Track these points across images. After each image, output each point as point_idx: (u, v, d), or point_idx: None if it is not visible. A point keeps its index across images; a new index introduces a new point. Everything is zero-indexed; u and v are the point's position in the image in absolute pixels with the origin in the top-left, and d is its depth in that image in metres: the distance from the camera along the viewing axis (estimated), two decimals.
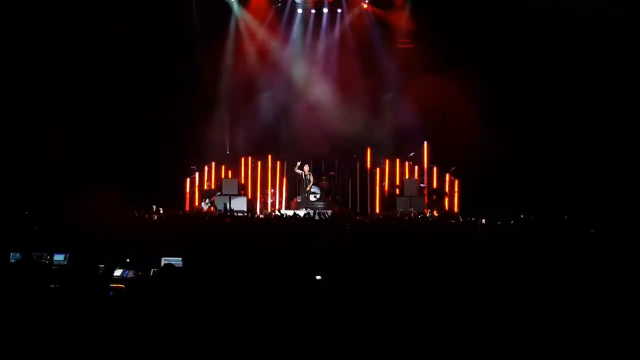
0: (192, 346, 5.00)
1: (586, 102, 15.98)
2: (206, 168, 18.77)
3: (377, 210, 18.19)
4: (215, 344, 5.11)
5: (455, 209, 17.97)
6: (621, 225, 11.80)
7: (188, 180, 18.53)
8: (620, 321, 5.44)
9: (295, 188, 19.00)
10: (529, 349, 5.17)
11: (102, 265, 7.44)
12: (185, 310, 5.74)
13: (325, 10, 19.35)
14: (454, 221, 15.29)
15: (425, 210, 17.20)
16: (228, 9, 18.91)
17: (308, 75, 18.91)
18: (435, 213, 17.06)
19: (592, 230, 11.82)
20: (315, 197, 18.50)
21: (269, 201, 18.80)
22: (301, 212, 15.61)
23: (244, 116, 18.55)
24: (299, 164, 18.29)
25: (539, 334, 5.30)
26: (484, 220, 13.92)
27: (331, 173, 19.00)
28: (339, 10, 19.38)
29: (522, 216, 14.50)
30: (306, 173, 18.33)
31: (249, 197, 18.54)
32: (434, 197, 17.86)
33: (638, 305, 5.74)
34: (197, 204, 18.34)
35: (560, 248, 9.95)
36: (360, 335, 5.36)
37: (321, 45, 19.27)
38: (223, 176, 18.74)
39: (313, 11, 19.41)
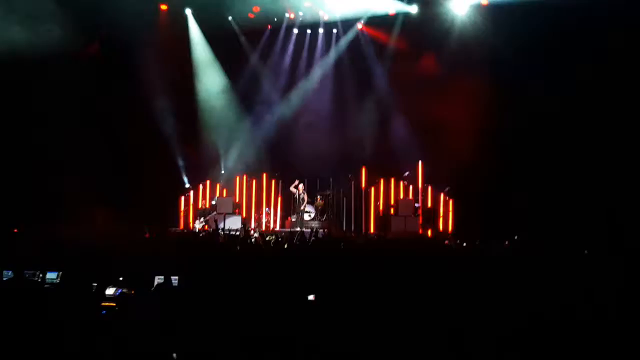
0: None
1: (583, 123, 16.01)
2: (201, 186, 18.76)
3: (372, 230, 18.19)
4: None
5: (450, 229, 17.98)
6: (617, 246, 11.80)
7: (183, 198, 18.51)
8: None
9: (290, 207, 18.99)
10: None
11: (95, 284, 7.43)
12: (179, 328, 5.72)
13: (320, 30, 19.49)
14: (447, 242, 15.32)
15: (420, 231, 17.24)
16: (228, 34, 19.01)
17: (304, 94, 19.02)
18: (429, 233, 17.10)
19: (586, 252, 11.83)
20: (309, 216, 18.49)
21: (264, 220, 18.78)
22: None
23: (240, 135, 18.61)
24: (296, 182, 18.35)
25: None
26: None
27: (323, 194, 18.98)
28: (335, 31, 19.54)
29: (515, 237, 14.51)
30: (300, 192, 18.36)
31: (244, 216, 18.51)
32: (428, 217, 17.84)
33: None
34: (191, 223, 18.32)
35: (553, 269, 9.95)
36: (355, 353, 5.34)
37: (317, 65, 19.40)
38: (218, 195, 18.75)
39: (309, 31, 19.53)
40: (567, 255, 11.39)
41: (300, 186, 18.36)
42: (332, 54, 19.47)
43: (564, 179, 15.90)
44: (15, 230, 13.27)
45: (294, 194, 18.42)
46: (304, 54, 19.60)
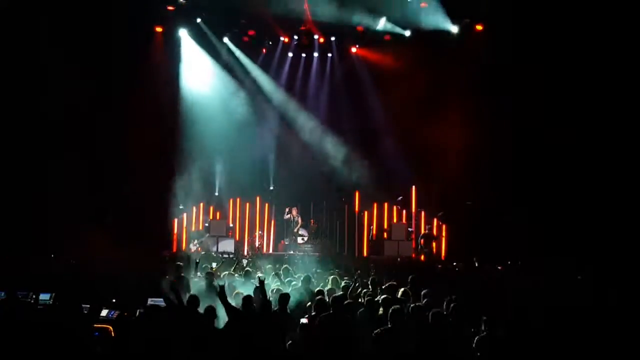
0: None
1: (576, 142, 16.05)
2: (194, 209, 18.74)
3: (365, 254, 18.18)
4: None
5: (443, 254, 17.98)
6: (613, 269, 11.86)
7: (176, 221, 18.45)
8: None
9: (284, 230, 18.98)
10: None
11: (88, 305, 7.42)
12: (170, 352, 5.72)
13: (315, 54, 19.64)
14: (440, 265, 15.39)
15: (413, 255, 17.27)
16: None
17: (298, 118, 19.12)
18: (422, 258, 17.12)
19: (579, 277, 11.88)
20: (302, 239, 18.47)
21: (257, 243, 18.75)
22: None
23: (234, 158, 18.65)
24: (286, 210, 18.42)
25: None
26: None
27: (317, 217, 18.99)
28: (329, 55, 19.70)
29: (509, 262, 14.56)
30: (294, 215, 18.38)
31: (237, 238, 18.48)
32: (422, 241, 17.82)
33: None
34: (184, 245, 18.28)
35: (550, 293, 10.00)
36: None
37: (311, 88, 19.54)
38: (211, 217, 18.74)
39: (303, 55, 19.67)
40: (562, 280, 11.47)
41: (294, 210, 18.39)
42: (327, 77, 19.61)
43: (562, 200, 15.90)
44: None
45: (288, 218, 18.46)
46: (299, 77, 19.71)
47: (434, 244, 17.61)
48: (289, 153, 18.74)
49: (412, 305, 7.38)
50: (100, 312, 7.83)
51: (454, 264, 15.54)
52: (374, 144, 18.71)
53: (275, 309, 7.68)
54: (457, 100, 17.00)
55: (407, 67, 17.91)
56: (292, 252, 17.57)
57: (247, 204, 19.05)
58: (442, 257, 17.62)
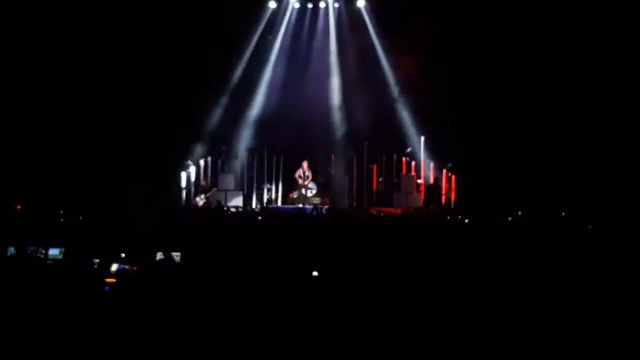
0: (189, 340, 4.95)
1: (583, 97, 16.00)
2: (202, 163, 18.65)
3: (374, 206, 18.12)
4: (212, 338, 5.07)
5: (452, 205, 17.92)
6: (621, 221, 11.79)
7: (184, 174, 18.39)
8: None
9: (292, 183, 18.93)
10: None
11: (98, 260, 7.40)
12: (182, 304, 5.70)
13: (322, 4, 19.32)
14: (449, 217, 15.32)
15: (422, 206, 17.24)
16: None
17: (306, 70, 18.94)
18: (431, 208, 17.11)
19: (590, 227, 11.80)
20: (311, 192, 18.43)
21: (266, 196, 18.73)
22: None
23: (242, 110, 18.57)
24: (299, 171, 18.38)
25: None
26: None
27: (325, 170, 18.90)
28: (336, 5, 19.37)
29: (519, 213, 14.50)
30: (305, 169, 18.32)
31: (245, 192, 18.44)
32: (432, 194, 17.75)
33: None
34: (194, 200, 18.24)
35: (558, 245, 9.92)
36: (359, 330, 5.32)
37: (318, 39, 19.28)
38: (219, 171, 18.68)
39: (310, 5, 19.37)
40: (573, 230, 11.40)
41: (304, 164, 18.30)
42: (333, 28, 19.31)
43: (571, 151, 15.87)
44: (19, 207, 13.26)
45: (298, 175, 18.40)
46: (305, 29, 19.45)
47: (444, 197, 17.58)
48: (297, 105, 18.57)
49: None
50: (110, 267, 7.82)
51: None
52: (384, 96, 18.60)
53: None
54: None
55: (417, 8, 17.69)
56: (300, 205, 17.57)
57: (256, 157, 18.88)
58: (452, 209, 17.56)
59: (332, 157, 18.94)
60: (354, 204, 18.41)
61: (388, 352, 5.07)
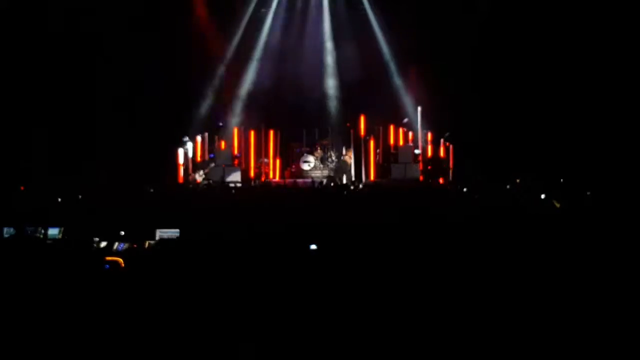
0: (188, 317, 4.98)
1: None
2: (199, 139, 18.59)
3: (372, 178, 18.12)
4: (210, 314, 5.09)
5: (450, 176, 17.94)
6: (618, 187, 11.84)
7: (181, 151, 18.33)
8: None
9: (290, 157, 18.92)
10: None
11: (97, 239, 7.44)
12: (182, 282, 5.73)
13: None
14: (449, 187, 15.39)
15: (421, 177, 17.28)
16: None
17: (300, 42, 18.87)
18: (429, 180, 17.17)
19: (588, 193, 11.85)
20: (309, 165, 18.42)
21: (263, 171, 18.71)
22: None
23: (236, 85, 18.53)
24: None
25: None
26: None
27: (322, 143, 18.85)
28: None
29: (518, 180, 14.55)
30: (303, 145, 18.43)
31: (244, 167, 18.42)
32: (430, 167, 17.78)
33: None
34: (191, 174, 18.19)
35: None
36: (355, 307, 5.34)
37: (312, 8, 19.17)
38: (216, 147, 18.63)
39: None
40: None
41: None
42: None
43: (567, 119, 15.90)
44: (22, 188, 13.31)
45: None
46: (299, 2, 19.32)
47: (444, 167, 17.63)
48: (292, 80, 18.50)
49: None
50: (110, 245, 7.86)
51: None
52: (379, 66, 18.56)
53: None
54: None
55: None
56: (298, 179, 17.58)
57: (252, 132, 18.80)
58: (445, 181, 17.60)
59: (329, 130, 18.89)
60: (353, 176, 18.37)
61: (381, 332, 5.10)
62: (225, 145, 18.64)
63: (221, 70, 18.89)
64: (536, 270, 5.83)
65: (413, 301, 5.22)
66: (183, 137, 18.18)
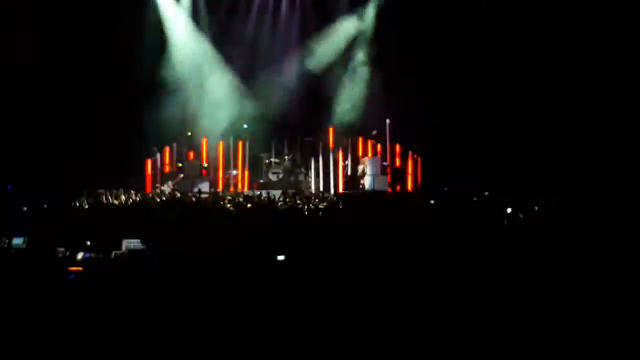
0: (159, 326, 4.96)
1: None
2: (167, 149, 18.45)
3: (340, 190, 18.13)
4: (181, 323, 5.08)
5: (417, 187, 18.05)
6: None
7: (150, 161, 18.16)
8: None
9: (259, 168, 18.85)
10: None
11: (62, 249, 7.35)
12: (150, 291, 5.70)
13: None
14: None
15: (389, 189, 17.36)
16: None
17: (269, 51, 18.93)
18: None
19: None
20: (277, 177, 18.39)
21: (232, 182, 18.59)
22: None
23: (206, 95, 18.50)
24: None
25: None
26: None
27: (290, 155, 18.81)
28: None
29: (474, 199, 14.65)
30: (272, 156, 18.41)
31: (212, 178, 18.30)
32: (396, 176, 17.89)
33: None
34: (157, 186, 18.02)
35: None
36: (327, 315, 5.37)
37: (282, 17, 19.22)
38: (184, 157, 18.50)
39: None
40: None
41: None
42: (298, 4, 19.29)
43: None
44: None
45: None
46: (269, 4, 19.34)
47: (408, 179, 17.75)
48: (260, 89, 18.54)
49: None
50: (75, 255, 7.78)
51: None
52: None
53: None
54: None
55: None
56: (266, 191, 17.49)
57: (221, 143, 18.68)
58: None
59: (299, 141, 18.89)
60: (322, 187, 18.36)
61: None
62: (193, 155, 18.54)
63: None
64: (507, 275, 5.92)
65: (379, 307, 5.27)
66: (151, 147, 18.03)
